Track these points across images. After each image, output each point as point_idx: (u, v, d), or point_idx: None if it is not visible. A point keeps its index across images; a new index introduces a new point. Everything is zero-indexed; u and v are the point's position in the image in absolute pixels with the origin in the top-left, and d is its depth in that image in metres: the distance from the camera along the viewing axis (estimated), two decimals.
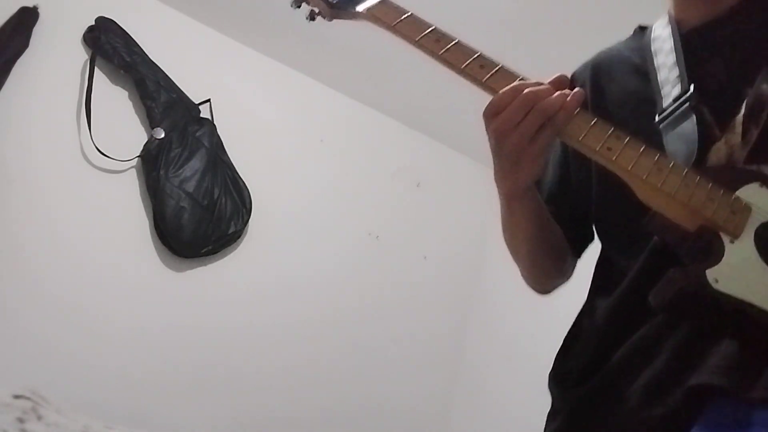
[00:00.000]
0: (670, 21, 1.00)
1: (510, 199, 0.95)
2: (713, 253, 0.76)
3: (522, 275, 1.11)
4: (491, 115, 0.85)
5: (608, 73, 1.04)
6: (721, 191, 0.80)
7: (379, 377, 3.01)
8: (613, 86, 1.02)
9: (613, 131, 0.83)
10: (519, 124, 0.83)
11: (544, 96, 0.83)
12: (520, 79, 0.87)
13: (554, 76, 0.87)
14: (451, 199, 3.25)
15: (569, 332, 1.01)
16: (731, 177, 0.82)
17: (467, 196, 3.13)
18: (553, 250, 1.06)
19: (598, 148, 0.83)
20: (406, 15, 0.95)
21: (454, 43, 0.91)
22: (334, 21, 1.04)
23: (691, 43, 0.96)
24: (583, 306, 1.02)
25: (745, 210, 0.79)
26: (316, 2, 1.04)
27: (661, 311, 0.77)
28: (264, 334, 2.74)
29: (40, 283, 2.33)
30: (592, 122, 0.84)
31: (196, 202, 2.57)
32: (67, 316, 2.35)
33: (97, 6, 2.53)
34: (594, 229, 1.06)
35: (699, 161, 0.84)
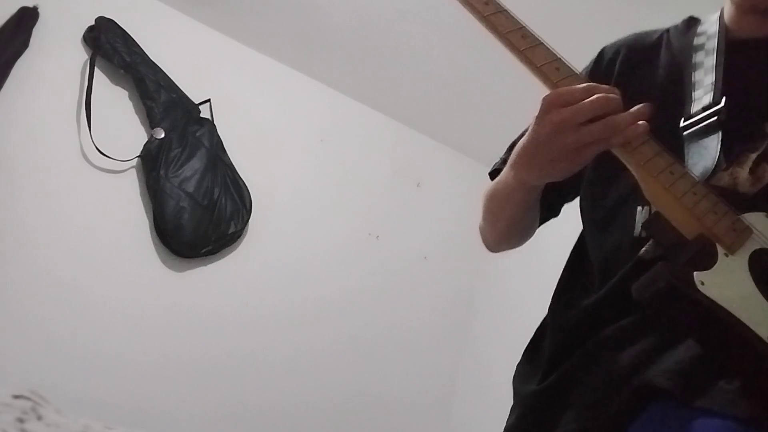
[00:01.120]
0: (721, 22, 0.97)
1: (520, 187, 0.93)
2: (705, 261, 0.77)
3: (482, 230, 1.13)
4: (557, 104, 0.79)
5: (642, 59, 1.01)
6: (726, 209, 0.81)
7: (379, 377, 3.00)
8: (644, 73, 0.99)
9: (672, 164, 0.82)
10: (581, 126, 0.78)
11: (617, 110, 0.79)
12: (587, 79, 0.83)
13: (640, 108, 0.82)
14: (451, 199, 3.25)
15: (537, 330, 1.03)
16: (739, 202, 0.83)
17: (467, 196, 3.12)
18: (528, 227, 1.09)
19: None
20: (500, 8, 0.90)
21: (538, 42, 0.88)
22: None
23: (734, 53, 0.93)
24: (552, 300, 1.03)
25: (746, 231, 0.80)
26: None
27: (642, 303, 0.77)
28: (264, 334, 2.74)
29: (41, 282, 2.33)
30: (656, 152, 0.83)
31: (196, 202, 2.57)
32: (68, 316, 2.36)
33: (97, 6, 2.53)
34: (580, 211, 1.06)
35: (708, 179, 0.84)
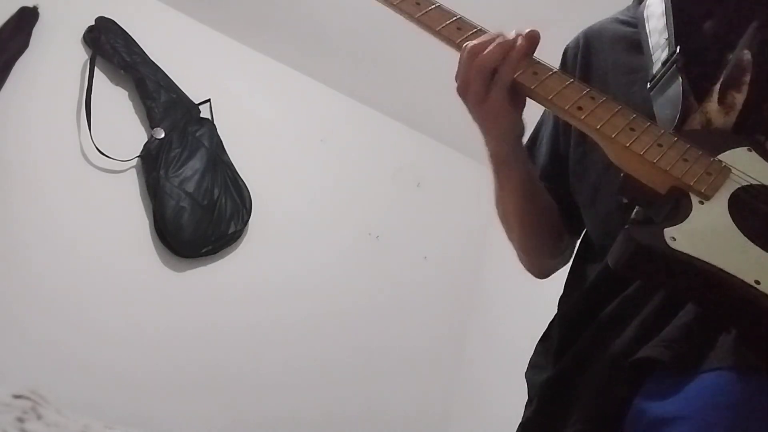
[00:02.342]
0: None
1: (497, 164, 0.95)
2: (680, 214, 0.73)
3: (518, 257, 1.09)
4: (456, 77, 0.86)
5: (599, 44, 1.02)
6: (699, 153, 0.77)
7: (379, 376, 3.00)
8: (603, 58, 1.00)
9: (588, 92, 0.82)
10: (471, 78, 0.84)
11: (481, 50, 0.83)
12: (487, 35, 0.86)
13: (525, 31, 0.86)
14: (451, 199, 3.25)
15: (549, 323, 1.00)
16: (718, 140, 0.79)
17: (467, 196, 3.13)
18: (546, 225, 1.04)
19: (567, 108, 0.81)
20: None
21: (434, 6, 0.91)
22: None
23: (683, 7, 0.94)
24: (566, 280, 1.01)
25: (723, 172, 0.76)
26: None
27: (618, 271, 0.73)
28: (264, 334, 2.74)
29: (41, 283, 2.33)
30: (567, 83, 0.83)
31: (196, 202, 2.57)
32: (67, 316, 2.36)
33: (97, 6, 2.53)
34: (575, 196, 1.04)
35: (680, 125, 0.82)
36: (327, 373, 2.86)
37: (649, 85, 0.89)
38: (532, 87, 0.83)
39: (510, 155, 0.93)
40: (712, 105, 0.82)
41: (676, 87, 0.85)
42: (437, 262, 3.21)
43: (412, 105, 3.04)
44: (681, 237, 0.70)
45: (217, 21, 2.75)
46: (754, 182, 0.75)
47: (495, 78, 0.83)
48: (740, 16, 0.90)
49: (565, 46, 1.08)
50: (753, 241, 0.70)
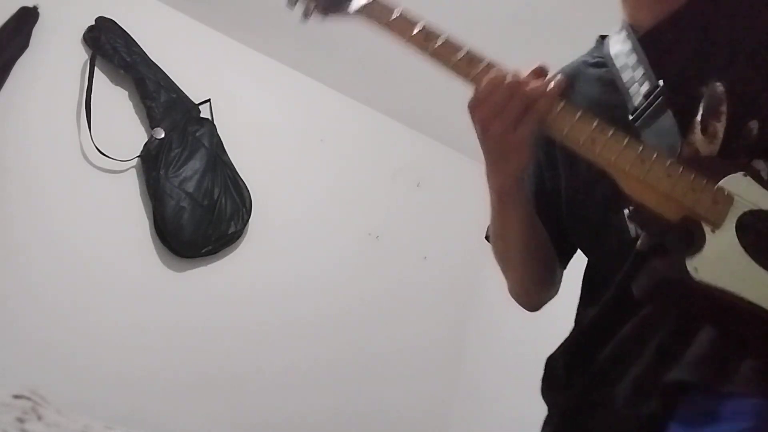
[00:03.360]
0: (625, 26, 1.02)
1: (501, 194, 0.96)
2: (695, 243, 0.77)
3: (511, 290, 1.12)
4: (476, 105, 0.87)
5: (576, 85, 1.04)
6: (705, 181, 0.80)
7: (379, 376, 3.01)
8: (579, 97, 1.02)
9: (597, 124, 0.84)
10: (502, 112, 0.85)
11: (525, 84, 0.86)
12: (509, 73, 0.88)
13: (534, 66, 0.89)
14: (451, 199, 3.25)
15: (561, 344, 1.02)
16: (716, 168, 0.82)
17: (467, 196, 3.12)
18: (545, 258, 1.07)
19: (582, 141, 0.84)
20: (398, 12, 0.96)
21: (443, 39, 0.93)
22: (330, 20, 1.05)
23: (648, 45, 0.97)
24: (575, 318, 1.03)
25: (727, 200, 0.80)
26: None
27: (644, 301, 0.78)
28: (264, 334, 2.74)
29: (40, 283, 2.33)
30: (577, 115, 0.85)
31: (196, 202, 2.57)
32: (67, 316, 2.36)
33: (97, 6, 2.53)
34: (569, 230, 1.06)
35: (682, 153, 0.85)
36: (327, 372, 2.86)
37: (631, 118, 0.92)
38: (548, 120, 0.86)
39: (515, 188, 0.95)
40: (697, 136, 0.85)
41: (667, 119, 0.88)
42: (437, 262, 3.21)
43: (412, 105, 3.04)
44: (702, 267, 0.75)
45: (218, 21, 2.74)
46: (754, 208, 0.80)
47: (530, 112, 0.85)
48: (708, 49, 0.93)
49: None
50: (764, 267, 0.75)
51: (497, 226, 1.03)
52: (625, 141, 0.83)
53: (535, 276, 1.09)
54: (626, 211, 0.84)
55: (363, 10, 0.99)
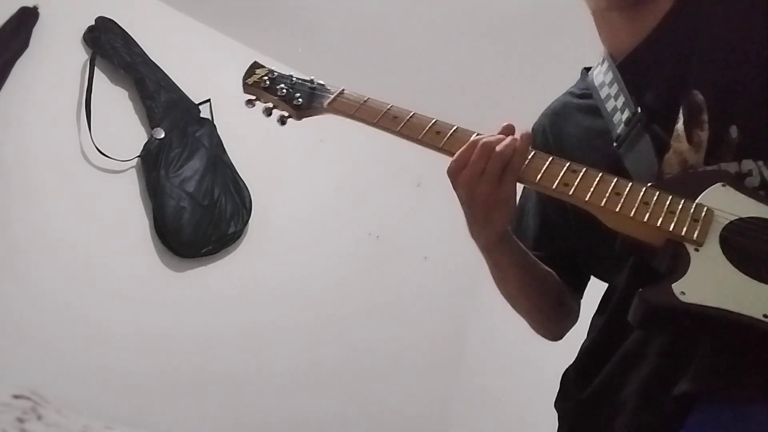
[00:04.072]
0: (605, 56, 1.06)
1: (490, 250, 1.01)
2: (680, 266, 0.78)
3: (530, 326, 1.15)
4: (457, 171, 0.94)
5: (564, 117, 1.10)
6: (682, 201, 0.82)
7: (379, 377, 3.01)
8: (571, 128, 1.07)
9: (569, 166, 0.88)
10: (483, 173, 0.90)
11: (498, 143, 0.90)
12: (475, 135, 0.93)
13: (501, 126, 0.94)
14: (451, 199, 3.23)
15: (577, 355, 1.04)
16: (693, 183, 0.84)
17: None
18: (549, 292, 1.09)
19: (554, 186, 0.87)
20: (363, 101, 1.08)
21: (409, 116, 1.01)
22: (304, 121, 1.17)
23: (628, 71, 1.01)
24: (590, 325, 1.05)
25: (707, 215, 0.81)
26: (283, 108, 1.21)
27: (640, 329, 0.80)
28: (264, 334, 2.74)
29: (40, 283, 2.33)
30: (548, 162, 0.89)
31: (196, 202, 2.57)
32: (67, 316, 2.36)
33: (97, 6, 2.53)
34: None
35: (660, 175, 0.88)
36: (327, 372, 2.86)
37: (615, 144, 0.96)
38: (520, 173, 0.90)
39: (501, 240, 0.99)
40: (683, 145, 0.88)
41: (645, 143, 0.92)
42: (437, 262, 3.21)
43: (412, 105, 3.03)
44: (688, 289, 0.75)
45: (218, 21, 2.74)
46: (734, 218, 0.80)
47: (507, 168, 0.90)
48: (684, 64, 0.96)
49: (531, 128, 1.13)
50: (751, 277, 0.75)
51: (494, 275, 1.07)
52: (598, 177, 0.85)
53: (545, 311, 1.11)
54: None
55: (331, 107, 1.13)
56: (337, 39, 2.72)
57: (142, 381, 2.46)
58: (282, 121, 1.18)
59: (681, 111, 0.90)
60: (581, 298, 1.13)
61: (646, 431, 0.83)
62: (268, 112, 1.21)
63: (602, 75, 1.04)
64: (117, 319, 2.45)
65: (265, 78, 1.21)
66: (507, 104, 2.20)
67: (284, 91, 1.17)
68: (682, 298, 0.75)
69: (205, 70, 2.75)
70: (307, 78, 1.17)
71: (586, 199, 0.84)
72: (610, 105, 1.00)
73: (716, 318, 0.73)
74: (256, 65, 1.24)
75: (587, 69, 1.12)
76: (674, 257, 0.79)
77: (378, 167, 3.12)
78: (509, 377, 2.96)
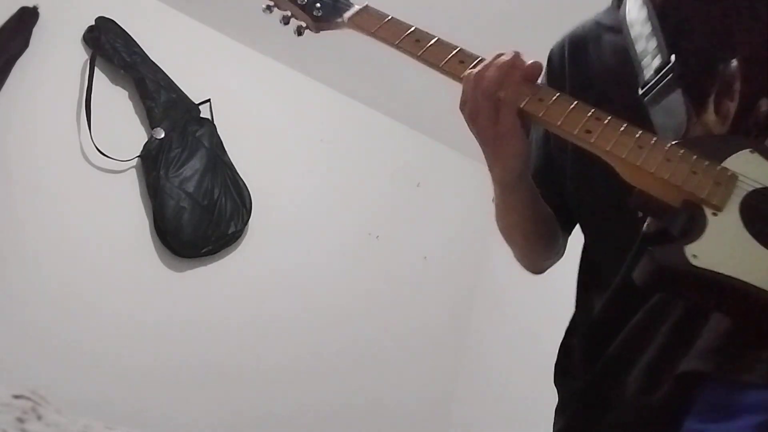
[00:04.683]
0: None
1: (503, 187, 0.96)
2: (696, 228, 0.74)
3: (515, 256, 1.11)
4: (462, 103, 0.89)
5: (587, 47, 1.02)
6: (706, 163, 0.78)
7: (379, 377, 3.00)
8: (593, 61, 1.01)
9: (593, 113, 0.83)
10: (480, 105, 0.86)
11: (483, 76, 0.85)
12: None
13: (494, 55, 0.88)
14: (451, 199, 3.25)
15: (567, 328, 1.02)
16: (720, 146, 0.80)
17: (467, 196, 3.13)
18: (547, 233, 1.06)
19: (576, 132, 0.82)
20: (386, 19, 0.98)
21: (433, 42, 0.93)
22: (323, 34, 1.07)
23: (665, 15, 0.94)
24: (576, 301, 1.02)
25: (730, 180, 0.77)
26: (302, 17, 1.08)
27: (643, 289, 0.75)
28: (264, 334, 2.74)
29: (40, 282, 2.33)
30: (572, 106, 0.84)
31: (196, 202, 2.57)
32: (68, 316, 2.36)
33: (97, 6, 2.53)
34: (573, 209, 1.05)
35: (683, 136, 0.83)
36: (327, 372, 2.86)
37: (641, 92, 0.90)
38: (540, 114, 0.85)
39: (516, 179, 0.94)
40: (710, 116, 0.83)
41: (676, 98, 0.86)
42: (437, 262, 3.21)
43: (412, 105, 3.04)
44: (701, 253, 0.71)
45: (218, 21, 2.75)
46: (759, 186, 0.76)
47: (499, 103, 0.85)
48: (725, 22, 0.90)
49: (549, 51, 1.07)
50: None
51: (500, 209, 1.02)
52: (622, 127, 0.81)
53: (538, 248, 1.08)
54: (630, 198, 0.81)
55: (352, 21, 1.01)
56: (338, 39, 2.71)
57: (142, 381, 2.46)
58: (299, 31, 1.09)
59: (716, 81, 0.84)
60: (569, 236, 1.10)
61: (651, 413, 0.80)
62: (285, 21, 1.11)
63: (636, 11, 0.96)
64: (117, 319, 2.45)
65: None
66: None
67: None
68: (693, 261, 0.71)
69: (205, 70, 2.75)
70: None
71: (608, 148, 0.80)
72: (640, 46, 0.93)
73: (726, 287, 0.70)
74: None
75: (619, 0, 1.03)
76: (690, 219, 0.75)
77: (378, 167, 3.12)
78: (509, 377, 2.96)
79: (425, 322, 3.14)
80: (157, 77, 2.58)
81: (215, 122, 2.72)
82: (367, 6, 1.02)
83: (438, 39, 0.93)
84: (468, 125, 0.89)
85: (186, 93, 2.66)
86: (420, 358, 3.11)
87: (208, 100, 2.72)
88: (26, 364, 2.23)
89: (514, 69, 0.86)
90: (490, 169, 0.93)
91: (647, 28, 0.93)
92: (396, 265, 3.11)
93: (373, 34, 0.98)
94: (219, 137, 2.71)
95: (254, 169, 2.76)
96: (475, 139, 0.91)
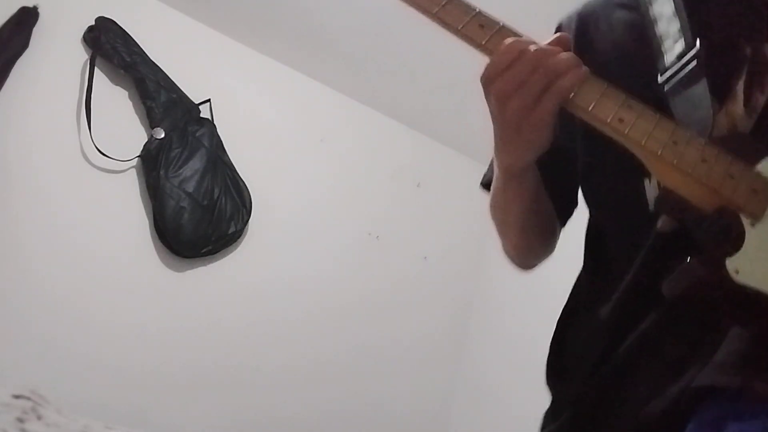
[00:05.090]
0: None
1: (509, 176, 0.88)
2: (733, 238, 0.68)
3: (504, 249, 1.04)
4: (492, 77, 0.76)
5: (599, 25, 0.93)
6: (742, 167, 0.71)
7: (379, 377, 3.00)
8: (603, 41, 0.92)
9: (625, 100, 0.75)
10: (522, 87, 0.75)
11: (551, 55, 0.75)
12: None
13: (556, 36, 0.78)
14: (451, 199, 3.25)
15: (562, 324, 0.96)
16: (749, 147, 0.73)
17: (467, 196, 3.11)
18: (544, 227, 1.00)
19: (609, 120, 0.74)
20: None
21: (450, 0, 0.81)
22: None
23: None
24: (575, 294, 0.97)
25: (766, 186, 0.70)
26: None
27: (675, 301, 0.70)
28: (264, 334, 2.74)
29: (41, 283, 2.33)
30: (604, 90, 0.75)
31: (196, 202, 2.57)
32: (68, 316, 2.36)
33: (97, 6, 2.53)
34: (583, 197, 0.99)
35: (711, 133, 0.75)
36: (327, 373, 2.86)
37: (660, 78, 0.81)
38: (570, 96, 0.76)
39: (526, 170, 0.87)
40: (737, 108, 0.76)
41: (701, 87, 0.78)
42: (437, 262, 3.21)
43: (412, 105, 3.04)
44: (743, 268, 0.67)
45: (217, 21, 2.75)
46: None
47: (554, 89, 0.75)
48: (756, 4, 0.83)
49: (558, 23, 0.99)
50: None
51: (499, 197, 0.95)
52: (656, 120, 0.73)
53: (532, 242, 1.01)
54: (653, 195, 0.74)
55: None
56: (338, 38, 2.72)
57: (142, 381, 2.46)
58: None
59: (744, 69, 0.77)
60: (563, 227, 1.03)
61: (651, 424, 0.76)
62: None
63: None
64: (117, 319, 2.45)
65: None
66: None
67: None
68: (735, 277, 0.65)
69: (205, 70, 2.75)
70: None
71: (643, 142, 0.72)
72: (661, 27, 0.84)
73: (763, 304, 0.65)
74: None
75: None
76: (727, 228, 0.69)
77: (378, 167, 3.12)
78: (509, 379, 2.96)
79: (425, 322, 3.14)
80: (157, 77, 2.58)
81: (215, 122, 2.72)
82: None
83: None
84: (490, 100, 0.78)
85: (186, 93, 2.66)
86: (420, 359, 3.11)
87: (208, 100, 2.72)
88: (26, 364, 2.23)
89: (581, 62, 0.76)
90: (500, 153, 0.84)
91: (669, 7, 0.84)
92: (396, 265, 3.11)
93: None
94: (219, 137, 2.71)
95: (254, 169, 2.77)
96: (492, 117, 0.80)
